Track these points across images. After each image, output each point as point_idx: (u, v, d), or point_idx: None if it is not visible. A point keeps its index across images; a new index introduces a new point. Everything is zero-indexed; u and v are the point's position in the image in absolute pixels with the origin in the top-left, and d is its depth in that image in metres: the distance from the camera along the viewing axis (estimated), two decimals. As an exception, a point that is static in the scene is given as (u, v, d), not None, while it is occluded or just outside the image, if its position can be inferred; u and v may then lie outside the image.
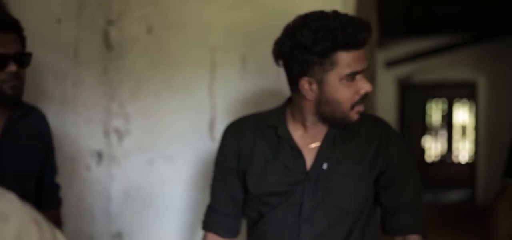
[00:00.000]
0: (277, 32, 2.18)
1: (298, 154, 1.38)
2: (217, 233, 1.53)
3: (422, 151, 8.94)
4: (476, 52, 6.57)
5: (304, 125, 1.39)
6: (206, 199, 2.23)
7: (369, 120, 1.43)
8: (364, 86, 1.28)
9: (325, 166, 1.36)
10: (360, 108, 1.31)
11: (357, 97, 1.29)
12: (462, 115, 8.95)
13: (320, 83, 1.28)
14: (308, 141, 1.38)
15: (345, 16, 1.27)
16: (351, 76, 1.27)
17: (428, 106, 8.59)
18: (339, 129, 1.37)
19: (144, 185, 2.33)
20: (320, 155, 1.36)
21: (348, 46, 1.24)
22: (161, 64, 2.29)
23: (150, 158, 2.32)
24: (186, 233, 2.31)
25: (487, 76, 6.77)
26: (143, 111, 2.31)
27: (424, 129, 8.73)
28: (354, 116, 1.31)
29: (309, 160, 1.37)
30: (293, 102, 1.39)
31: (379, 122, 1.46)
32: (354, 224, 1.37)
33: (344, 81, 1.27)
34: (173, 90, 2.29)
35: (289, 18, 2.18)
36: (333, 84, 1.27)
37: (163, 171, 2.31)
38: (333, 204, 1.36)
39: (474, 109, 7.32)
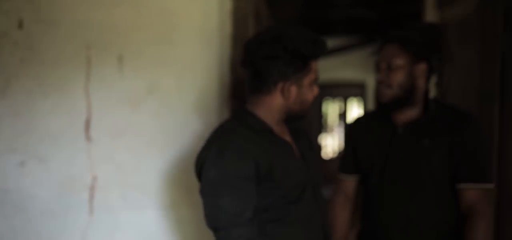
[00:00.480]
0: (154, 31, 2.17)
1: (291, 148, 1.54)
2: None
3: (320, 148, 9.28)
4: (366, 53, 6.93)
5: (276, 123, 1.53)
6: (82, 203, 2.18)
7: None
8: (316, 90, 1.52)
9: (308, 155, 1.59)
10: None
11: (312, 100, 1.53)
12: (355, 113, 9.42)
13: (299, 86, 1.47)
14: (284, 136, 1.56)
15: (309, 30, 1.48)
16: (315, 81, 1.50)
17: (324, 105, 8.91)
18: (291, 125, 1.59)
19: (14, 189, 2.21)
20: (297, 145, 1.56)
21: (317, 56, 1.47)
22: (33, 61, 2.18)
23: (22, 159, 2.20)
24: (60, 239, 2.22)
25: (375, 76, 7.19)
26: (13, 110, 2.19)
27: (321, 127, 9.06)
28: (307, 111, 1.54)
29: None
30: (261, 105, 1.49)
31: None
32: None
33: (312, 85, 1.50)
34: (46, 88, 2.19)
35: (167, 17, 2.18)
36: (307, 87, 1.48)
37: (35, 173, 2.20)
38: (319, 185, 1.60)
39: (363, 107, 7.72)
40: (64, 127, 2.19)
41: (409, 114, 1.73)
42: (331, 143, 10.01)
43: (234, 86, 2.27)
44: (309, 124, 8.37)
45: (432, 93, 2.17)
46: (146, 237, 2.22)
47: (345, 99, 8.90)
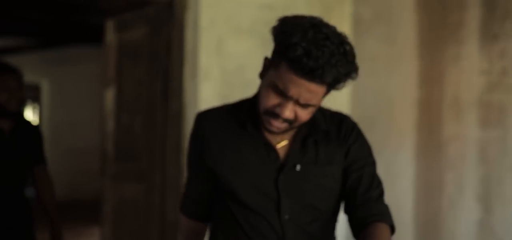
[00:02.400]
0: None
1: (274, 154, 1.27)
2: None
3: None
4: (41, 56, 6.94)
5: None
6: None
7: (336, 118, 1.33)
8: (282, 111, 1.17)
9: (298, 167, 1.26)
10: (269, 122, 1.21)
11: (271, 110, 1.19)
12: (29, 115, 9.15)
13: (265, 72, 1.21)
14: (277, 138, 1.27)
15: (331, 48, 1.13)
16: (278, 91, 1.16)
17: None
18: (309, 130, 1.28)
19: None
20: (293, 155, 1.27)
21: (292, 66, 1.12)
22: None
23: None
24: None
25: (51, 79, 7.24)
26: None
27: None
28: (265, 123, 1.22)
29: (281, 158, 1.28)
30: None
31: (344, 120, 1.36)
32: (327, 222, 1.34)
33: (272, 88, 1.17)
34: None
35: None
36: (265, 82, 1.20)
37: None
38: (310, 205, 1.29)
39: (38, 110, 7.65)
40: None
41: None
42: None
43: None
44: None
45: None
46: None
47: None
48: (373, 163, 1.31)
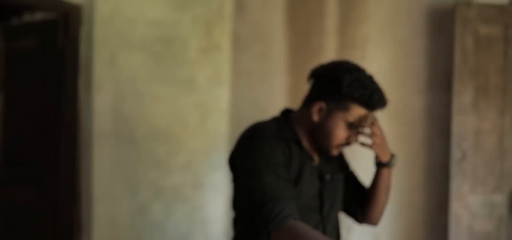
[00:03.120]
0: None
1: (315, 165, 1.52)
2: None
3: None
4: None
5: (306, 137, 1.51)
6: None
7: None
8: (354, 139, 1.47)
9: (328, 177, 1.55)
10: (338, 150, 1.50)
11: (344, 142, 1.47)
12: None
13: (328, 114, 1.44)
14: (311, 152, 1.52)
15: (375, 82, 1.44)
16: (351, 126, 1.44)
17: None
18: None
19: None
20: (323, 166, 1.54)
21: (365, 105, 1.42)
22: None
23: None
24: None
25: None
26: None
27: None
28: (334, 152, 1.49)
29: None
30: (299, 116, 1.51)
31: None
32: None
33: (344, 125, 1.44)
34: None
35: None
36: (336, 121, 1.44)
37: None
38: (336, 208, 1.59)
39: None
40: None
41: None
42: None
43: None
44: None
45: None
46: None
47: None
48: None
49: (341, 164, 1.64)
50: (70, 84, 2.95)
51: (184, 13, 3.27)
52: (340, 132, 1.44)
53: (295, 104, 3.26)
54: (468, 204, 2.34)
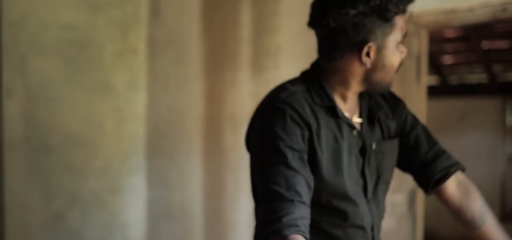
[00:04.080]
0: None
1: (357, 133, 1.25)
2: (305, 235, 1.10)
3: None
4: None
5: (344, 97, 1.26)
6: None
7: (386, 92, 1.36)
8: (404, 50, 1.24)
9: (374, 145, 1.28)
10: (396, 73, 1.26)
11: (400, 65, 1.25)
12: None
13: (380, 48, 1.19)
14: (351, 115, 1.27)
15: None
16: (402, 41, 1.23)
17: None
18: (367, 101, 1.30)
19: None
20: (366, 133, 1.27)
21: (403, 9, 1.20)
22: None
23: None
24: None
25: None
26: None
27: None
28: (392, 82, 1.26)
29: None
30: (334, 72, 1.23)
31: (389, 92, 1.39)
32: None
33: (398, 45, 1.22)
34: None
35: None
36: (391, 48, 1.20)
37: None
38: (385, 181, 1.32)
39: None
40: None
41: None
42: None
43: None
44: None
45: None
46: None
47: None
48: (423, 125, 1.41)
49: (398, 123, 1.35)
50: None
51: (99, 17, 3.23)
52: (397, 58, 1.23)
53: (211, 109, 3.36)
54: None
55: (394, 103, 1.38)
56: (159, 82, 3.42)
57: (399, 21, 1.20)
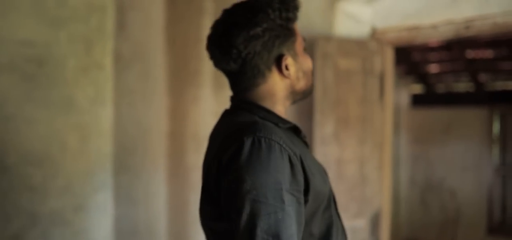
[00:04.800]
0: None
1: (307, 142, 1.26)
2: None
3: None
4: None
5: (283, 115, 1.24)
6: None
7: None
8: (308, 57, 1.23)
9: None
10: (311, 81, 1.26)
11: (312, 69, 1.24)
12: None
13: (294, 57, 1.18)
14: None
15: None
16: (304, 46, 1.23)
17: None
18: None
19: None
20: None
21: (297, 16, 1.18)
22: None
23: None
24: None
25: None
26: None
27: None
28: (311, 86, 1.25)
29: None
30: (264, 97, 1.17)
31: None
32: None
33: (304, 50, 1.22)
34: None
35: None
36: (301, 53, 1.20)
37: None
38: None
39: None
40: None
41: None
42: None
43: None
44: None
45: None
46: None
47: None
48: None
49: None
50: None
51: (60, 31, 3.14)
52: (309, 61, 1.23)
53: (175, 126, 3.27)
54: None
55: None
56: (125, 97, 3.34)
57: (296, 27, 1.18)
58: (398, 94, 6.23)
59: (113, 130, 3.37)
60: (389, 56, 2.54)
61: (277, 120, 1.16)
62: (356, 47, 2.35)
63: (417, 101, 6.61)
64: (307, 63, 1.20)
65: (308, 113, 2.36)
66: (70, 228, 3.24)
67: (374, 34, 2.52)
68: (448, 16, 2.25)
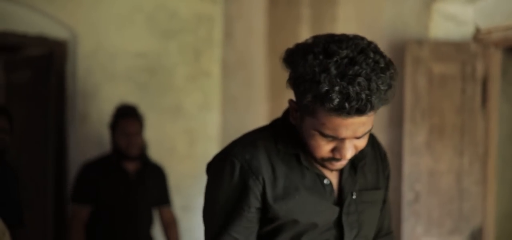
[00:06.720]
0: None
1: (329, 183, 1.16)
2: None
3: None
4: None
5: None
6: None
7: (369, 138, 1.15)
8: (344, 154, 1.05)
9: (354, 195, 1.17)
10: (332, 166, 1.11)
11: (329, 156, 1.08)
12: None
13: (301, 118, 1.09)
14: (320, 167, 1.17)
15: (359, 70, 0.96)
16: (329, 137, 1.05)
17: None
18: None
19: None
20: (346, 182, 1.17)
21: (337, 112, 0.98)
22: None
23: None
24: None
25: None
26: None
27: None
28: (327, 166, 1.12)
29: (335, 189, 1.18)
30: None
31: (374, 140, 1.28)
32: None
33: (319, 135, 1.05)
34: None
35: None
36: (308, 129, 1.07)
37: None
38: (365, 236, 1.21)
39: None
40: None
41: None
42: None
43: None
44: None
45: None
46: None
47: None
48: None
49: (384, 177, 1.24)
50: (58, 117, 3.09)
51: (170, 43, 3.36)
52: (315, 143, 1.06)
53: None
54: (423, 246, 2.25)
55: (381, 153, 1.28)
56: (230, 103, 3.46)
57: (321, 114, 1.01)
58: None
59: (220, 135, 3.51)
60: (495, 59, 2.32)
61: (284, 143, 1.15)
62: (453, 50, 2.19)
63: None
64: (308, 139, 1.08)
65: (398, 121, 2.25)
66: (180, 225, 3.43)
67: (477, 35, 2.32)
68: None
